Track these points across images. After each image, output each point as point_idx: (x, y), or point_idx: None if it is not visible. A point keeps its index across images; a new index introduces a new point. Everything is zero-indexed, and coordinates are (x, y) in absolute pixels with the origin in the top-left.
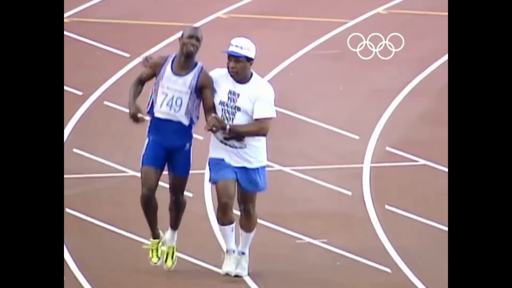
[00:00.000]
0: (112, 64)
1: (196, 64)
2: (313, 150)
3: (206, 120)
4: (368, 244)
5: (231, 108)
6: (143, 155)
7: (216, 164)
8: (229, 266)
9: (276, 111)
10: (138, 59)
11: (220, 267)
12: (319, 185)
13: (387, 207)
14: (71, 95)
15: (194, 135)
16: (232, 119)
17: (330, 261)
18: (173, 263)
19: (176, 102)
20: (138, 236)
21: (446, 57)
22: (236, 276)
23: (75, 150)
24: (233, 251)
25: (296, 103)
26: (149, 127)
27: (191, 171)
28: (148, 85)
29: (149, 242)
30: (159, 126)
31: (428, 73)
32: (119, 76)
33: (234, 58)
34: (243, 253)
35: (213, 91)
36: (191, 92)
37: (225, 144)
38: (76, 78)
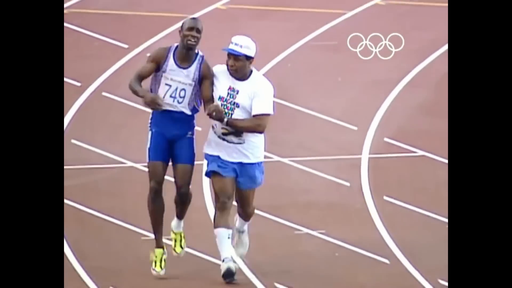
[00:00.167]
0: (110, 55)
1: (197, 54)
2: (312, 141)
3: (205, 110)
4: (366, 235)
5: (230, 104)
6: (149, 149)
7: (213, 161)
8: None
9: (274, 102)
10: (137, 51)
11: (216, 258)
12: (318, 176)
13: (385, 198)
14: (69, 86)
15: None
16: (231, 114)
17: (328, 252)
18: (182, 249)
19: (179, 93)
20: (137, 227)
21: (444, 48)
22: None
23: (73, 141)
24: (242, 231)
25: (295, 94)
26: (151, 118)
27: None
28: (146, 81)
29: (148, 235)
30: (161, 116)
31: (427, 64)
32: (118, 67)
33: (233, 56)
34: (242, 232)
35: (212, 82)
36: (194, 84)
37: (223, 139)
38: (74, 69)
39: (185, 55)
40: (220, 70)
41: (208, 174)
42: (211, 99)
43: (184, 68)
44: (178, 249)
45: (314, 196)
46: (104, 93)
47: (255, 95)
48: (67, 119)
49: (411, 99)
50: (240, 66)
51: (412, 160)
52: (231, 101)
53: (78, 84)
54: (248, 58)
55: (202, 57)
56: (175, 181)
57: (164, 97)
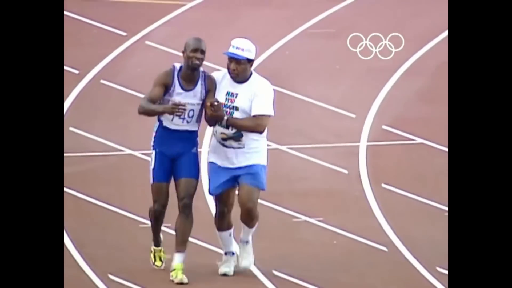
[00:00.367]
0: (109, 42)
1: (199, 72)
2: (310, 129)
3: (205, 118)
4: (364, 223)
5: (229, 108)
6: (153, 170)
7: (215, 173)
8: (227, 267)
9: (274, 90)
10: (135, 38)
11: (215, 245)
12: (316, 164)
13: (383, 185)
14: (67, 74)
15: None
16: None
17: (327, 239)
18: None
19: (188, 114)
20: (135, 215)
21: (442, 35)
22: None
23: (71, 128)
24: (232, 253)
25: (293, 81)
26: (155, 137)
27: None
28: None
29: (146, 222)
30: (167, 135)
31: (425, 51)
32: (116, 54)
33: (235, 60)
34: (246, 242)
35: (215, 92)
36: (202, 102)
37: (223, 145)
38: (72, 56)
39: (190, 76)
40: (217, 77)
41: (210, 193)
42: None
43: (190, 90)
44: (180, 276)
45: (312, 183)
46: (102, 81)
47: (255, 95)
48: (65, 107)
49: (409, 86)
50: (242, 70)
51: (410, 147)
52: (230, 106)
53: (76, 71)
54: (249, 61)
55: (204, 73)
56: (178, 194)
57: (172, 120)
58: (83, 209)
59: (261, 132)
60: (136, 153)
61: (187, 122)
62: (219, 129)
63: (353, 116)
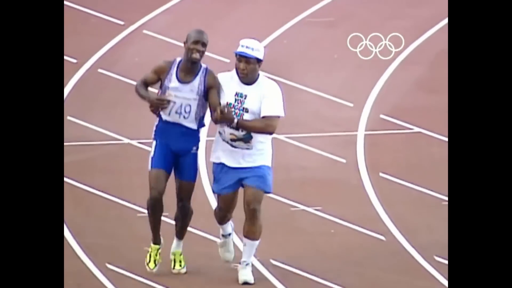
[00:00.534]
0: (107, 31)
1: (200, 67)
2: (307, 118)
3: (212, 117)
4: (362, 212)
5: (239, 110)
6: (152, 157)
7: (220, 173)
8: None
9: (271, 78)
10: (133, 27)
11: (213, 235)
12: (313, 153)
13: (381, 174)
14: (65, 63)
15: None
16: None
17: (324, 228)
18: (181, 267)
19: (185, 109)
20: (133, 204)
21: (441, 24)
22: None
23: (69, 118)
24: (229, 234)
25: (291, 70)
26: (156, 130)
27: None
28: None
29: (144, 211)
30: (166, 129)
31: (423, 40)
32: (114, 43)
33: (244, 59)
34: (247, 264)
35: (220, 89)
36: (199, 98)
37: (231, 145)
38: (70, 45)
39: (189, 69)
40: (224, 79)
41: (214, 192)
42: (219, 106)
43: (187, 83)
44: (177, 266)
45: (310, 172)
46: (100, 70)
47: (264, 97)
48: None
49: (407, 75)
50: (251, 69)
51: (408, 136)
52: (240, 107)
53: (74, 61)
54: (259, 61)
55: (206, 69)
56: (177, 194)
57: (169, 114)
58: (81, 198)
59: (271, 133)
60: (134, 142)
61: (184, 117)
62: (227, 130)
63: (351, 105)
